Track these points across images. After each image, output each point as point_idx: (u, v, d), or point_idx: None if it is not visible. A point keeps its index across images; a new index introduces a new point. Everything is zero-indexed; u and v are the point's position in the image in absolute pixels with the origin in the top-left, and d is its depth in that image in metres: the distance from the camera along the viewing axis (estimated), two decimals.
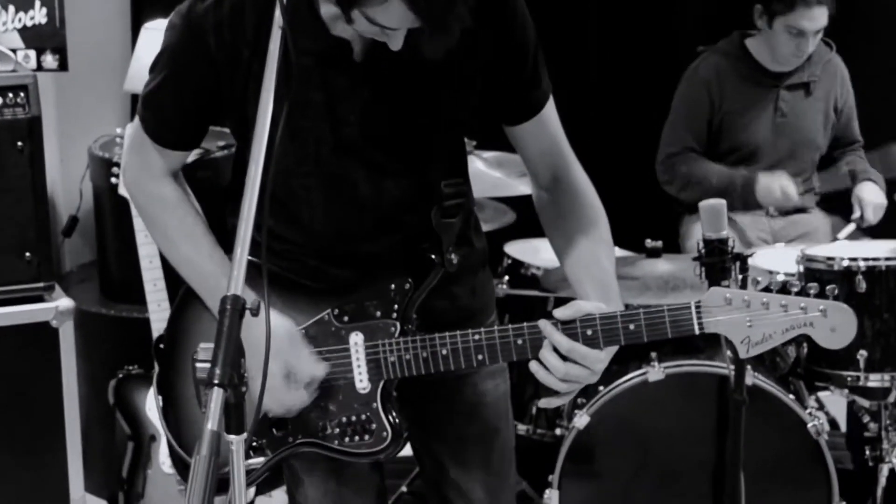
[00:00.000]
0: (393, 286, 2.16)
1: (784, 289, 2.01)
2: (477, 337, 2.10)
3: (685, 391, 3.36)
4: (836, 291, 2.01)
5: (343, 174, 2.13)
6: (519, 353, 2.09)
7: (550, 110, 2.22)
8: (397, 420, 2.16)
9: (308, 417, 2.18)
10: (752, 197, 4.15)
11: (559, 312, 2.07)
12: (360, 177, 2.13)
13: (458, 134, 2.24)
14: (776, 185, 4.12)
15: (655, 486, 3.37)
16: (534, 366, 2.06)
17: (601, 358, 2.06)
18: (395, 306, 2.15)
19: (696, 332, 2.02)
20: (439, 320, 2.22)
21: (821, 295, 2.00)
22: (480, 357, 2.10)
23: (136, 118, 2.21)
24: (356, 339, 2.16)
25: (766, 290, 2.02)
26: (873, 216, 4.18)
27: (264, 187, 1.79)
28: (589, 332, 2.04)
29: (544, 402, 2.15)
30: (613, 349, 2.09)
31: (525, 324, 2.08)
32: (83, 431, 3.58)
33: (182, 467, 2.30)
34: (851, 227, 4.17)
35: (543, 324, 2.06)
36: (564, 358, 2.05)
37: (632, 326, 2.03)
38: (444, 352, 2.11)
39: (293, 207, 2.17)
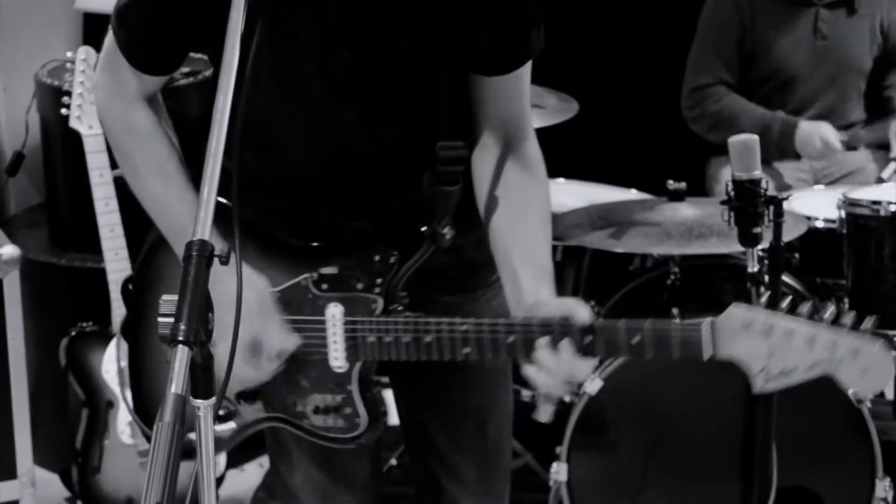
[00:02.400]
0: (377, 257, 2.15)
1: (814, 311, 1.94)
2: (465, 328, 2.06)
3: None
4: (876, 324, 1.94)
5: (331, 114, 2.12)
6: (510, 352, 2.05)
7: (527, 73, 2.19)
8: (376, 406, 2.16)
9: (278, 391, 2.18)
10: (789, 144, 4.15)
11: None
12: (351, 118, 2.12)
13: (462, 79, 2.20)
14: (816, 135, 4.12)
15: (676, 459, 3.38)
16: (531, 371, 2.02)
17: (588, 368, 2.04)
18: (378, 280, 2.14)
19: (705, 358, 1.98)
20: (440, 274, 2.22)
21: (857, 325, 1.93)
22: (467, 350, 2.07)
23: (110, 31, 2.18)
24: (334, 312, 2.15)
25: (793, 310, 1.97)
26: None
27: (236, 119, 1.77)
28: (587, 340, 2.00)
29: (543, 416, 2.12)
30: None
31: (519, 318, 2.05)
32: (31, 397, 3.59)
33: (147, 423, 2.32)
34: (894, 165, 4.17)
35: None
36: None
37: (635, 340, 2.00)
38: (428, 339, 2.08)
39: (272, 147, 2.17)
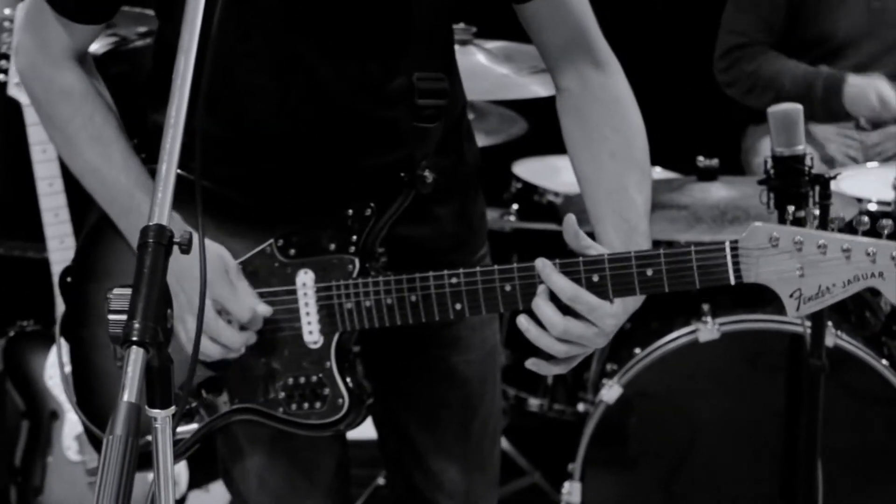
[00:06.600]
0: (351, 212, 2.17)
1: (849, 227, 1.98)
2: (454, 280, 2.09)
3: (746, 355, 3.37)
4: None
5: (296, 54, 2.12)
6: (507, 303, 2.08)
7: None
8: (357, 383, 2.18)
9: (246, 377, 2.19)
10: (837, 103, 4.13)
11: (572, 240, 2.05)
12: (318, 58, 2.12)
13: (443, 9, 2.22)
14: (871, 89, 4.10)
15: (706, 478, 3.39)
16: (523, 322, 2.04)
17: (612, 313, 2.04)
18: (354, 237, 2.17)
19: (732, 282, 2.00)
20: (417, 250, 2.24)
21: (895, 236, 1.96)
22: (458, 306, 2.10)
23: None
24: (305, 279, 2.18)
25: (823, 226, 1.99)
26: None
27: (198, 82, 1.76)
28: (595, 279, 2.02)
29: (532, 363, 2.10)
30: (631, 304, 2.08)
31: (515, 264, 2.07)
32: None
33: (96, 441, 2.31)
34: None
35: (541, 263, 2.04)
36: (565, 311, 2.03)
37: (650, 272, 2.01)
38: (413, 298, 2.11)
39: (234, 100, 2.16)
